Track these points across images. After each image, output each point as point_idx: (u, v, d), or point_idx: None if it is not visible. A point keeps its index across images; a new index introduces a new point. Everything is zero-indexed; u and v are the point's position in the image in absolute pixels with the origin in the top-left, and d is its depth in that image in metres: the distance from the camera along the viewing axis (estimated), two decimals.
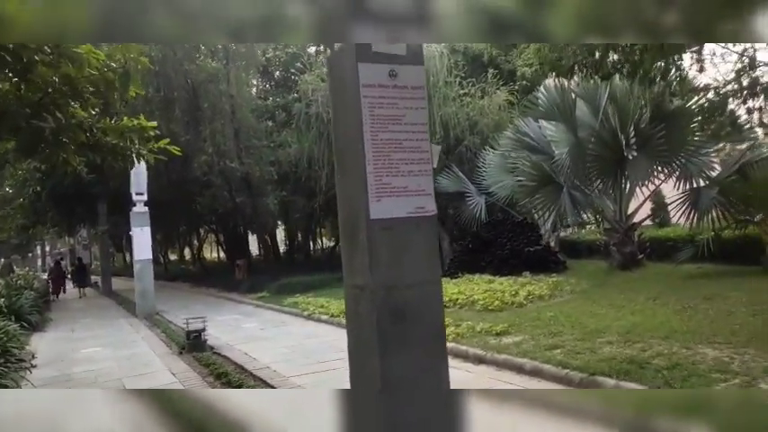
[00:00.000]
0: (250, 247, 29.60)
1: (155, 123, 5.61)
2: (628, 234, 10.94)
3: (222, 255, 43.22)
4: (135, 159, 5.50)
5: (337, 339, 8.19)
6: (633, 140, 10.01)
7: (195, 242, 42.09)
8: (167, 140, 5.75)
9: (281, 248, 27.48)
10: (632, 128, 10.14)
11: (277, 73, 22.14)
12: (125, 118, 5.50)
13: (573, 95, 10.85)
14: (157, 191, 14.85)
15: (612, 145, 10.18)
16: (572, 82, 11.08)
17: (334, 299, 11.72)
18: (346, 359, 2.91)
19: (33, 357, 8.36)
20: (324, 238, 44.70)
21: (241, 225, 21.23)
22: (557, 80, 11.09)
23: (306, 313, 10.75)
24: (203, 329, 8.21)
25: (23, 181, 21.04)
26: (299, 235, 28.41)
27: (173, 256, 45.02)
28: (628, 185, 10.96)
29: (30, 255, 60.95)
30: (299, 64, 19.34)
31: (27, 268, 48.93)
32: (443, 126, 15.52)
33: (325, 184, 15.38)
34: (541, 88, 11.34)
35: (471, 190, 15.08)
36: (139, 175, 13.56)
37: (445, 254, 16.14)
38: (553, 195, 10.29)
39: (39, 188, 19.60)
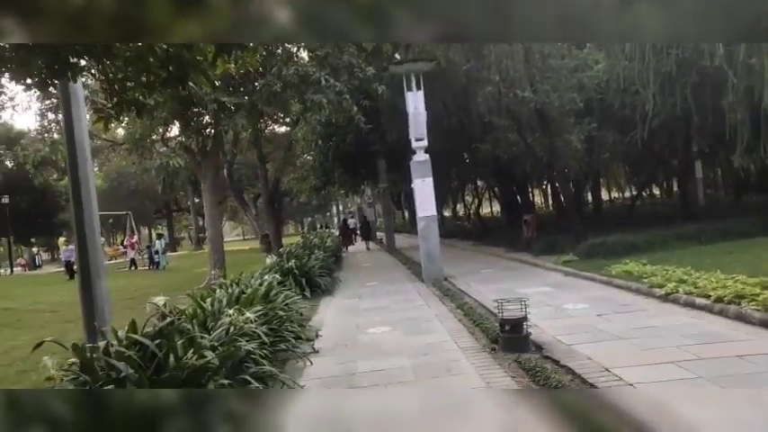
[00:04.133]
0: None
1: None
2: None
3: (496, 210, 41.29)
4: None
5: None
6: None
7: (468, 196, 41.06)
8: None
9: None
10: None
11: None
12: None
13: None
14: (433, 139, 12.73)
15: None
16: None
17: (693, 268, 7.89)
18: None
19: (317, 336, 6.90)
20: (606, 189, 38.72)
21: (529, 173, 18.22)
22: None
23: (661, 291, 7.20)
24: (524, 318, 5.51)
25: (313, 142, 21.87)
26: (587, 184, 24.00)
27: (445, 213, 44.90)
28: None
29: (327, 214, 69.43)
30: None
31: (326, 225, 55.52)
32: None
33: (652, 108, 11.15)
34: None
35: None
36: (418, 117, 11.61)
37: None
38: None
39: (321, 142, 19.98)
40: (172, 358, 3.68)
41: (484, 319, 6.92)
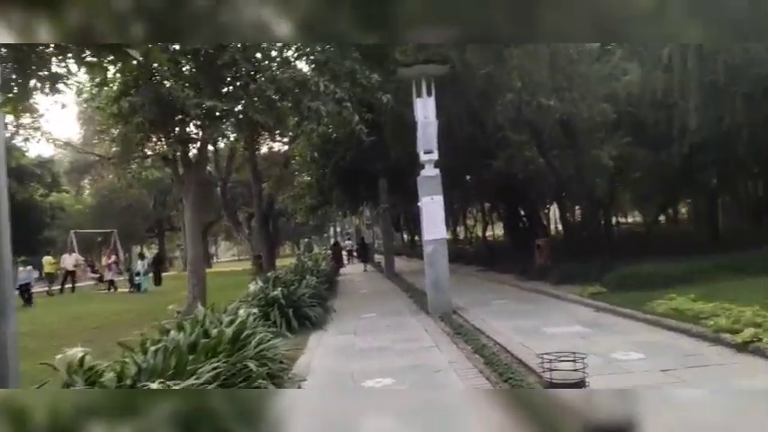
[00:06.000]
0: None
1: None
2: None
3: (498, 233, 39.69)
4: None
5: None
6: None
7: (469, 219, 39.57)
8: None
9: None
10: None
11: None
12: None
13: None
14: (440, 154, 11.27)
15: None
16: None
17: (762, 308, 6.44)
18: None
19: (301, 383, 5.39)
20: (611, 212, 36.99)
21: (543, 194, 16.79)
22: None
23: (736, 339, 5.70)
24: (583, 382, 4.01)
25: (309, 156, 20.60)
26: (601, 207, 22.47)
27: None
28: None
29: (325, 235, 67.77)
30: None
31: (324, 247, 54.03)
32: None
33: (695, 122, 9.80)
34: None
35: None
36: (428, 127, 10.26)
37: None
38: None
39: (318, 156, 18.70)
40: None
41: (512, 371, 5.42)
